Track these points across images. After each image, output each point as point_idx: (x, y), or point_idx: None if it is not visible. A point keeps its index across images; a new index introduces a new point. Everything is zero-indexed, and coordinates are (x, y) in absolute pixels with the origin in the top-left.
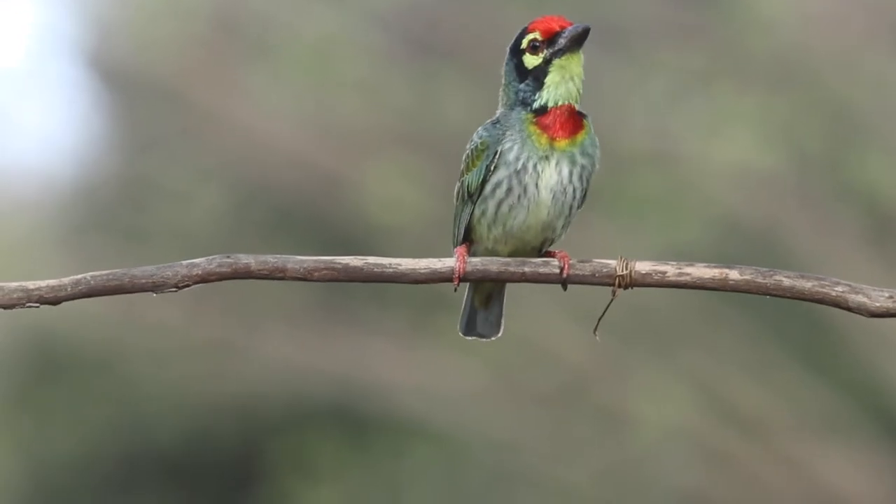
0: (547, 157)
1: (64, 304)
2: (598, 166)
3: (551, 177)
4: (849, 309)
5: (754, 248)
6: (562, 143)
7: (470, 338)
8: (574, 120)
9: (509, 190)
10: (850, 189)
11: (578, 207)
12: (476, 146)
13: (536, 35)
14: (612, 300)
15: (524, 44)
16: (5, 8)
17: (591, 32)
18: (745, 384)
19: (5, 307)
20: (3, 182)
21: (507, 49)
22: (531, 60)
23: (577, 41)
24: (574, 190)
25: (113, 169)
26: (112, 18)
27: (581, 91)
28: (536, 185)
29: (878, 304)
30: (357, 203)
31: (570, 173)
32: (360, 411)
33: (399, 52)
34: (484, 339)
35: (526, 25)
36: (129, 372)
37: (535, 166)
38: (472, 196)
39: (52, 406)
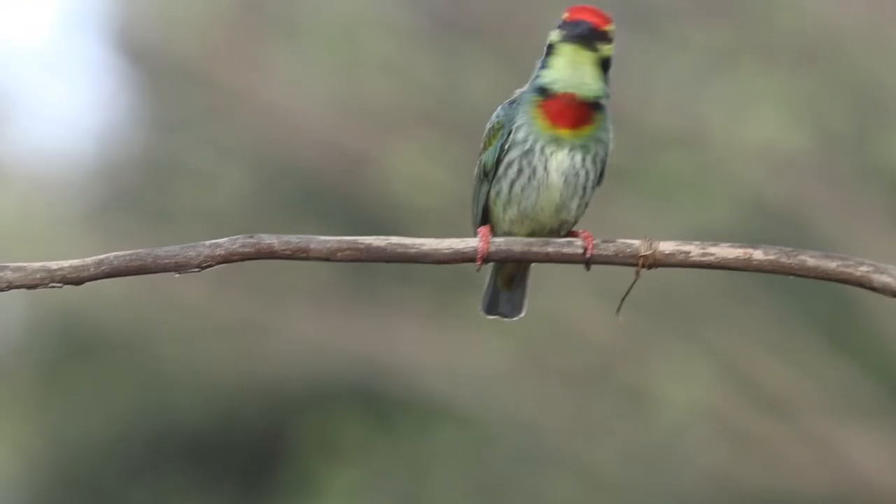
0: (556, 142)
1: (89, 284)
2: (612, 147)
3: (563, 161)
4: (873, 289)
5: (780, 228)
6: (564, 131)
7: (491, 317)
8: (581, 112)
9: (520, 170)
10: (876, 168)
11: (595, 187)
12: (493, 125)
13: (566, 15)
14: (635, 280)
15: (559, 21)
16: None
17: (585, 38)
18: (770, 364)
19: (29, 287)
20: (27, 161)
21: None
22: (552, 35)
23: (574, 38)
24: (587, 172)
25: (137, 148)
26: None
27: (587, 89)
28: (546, 167)
29: None
30: (382, 182)
31: (584, 159)
32: (384, 392)
33: (425, 29)
34: (506, 319)
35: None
36: (154, 352)
37: (542, 149)
38: (488, 175)
39: (78, 386)
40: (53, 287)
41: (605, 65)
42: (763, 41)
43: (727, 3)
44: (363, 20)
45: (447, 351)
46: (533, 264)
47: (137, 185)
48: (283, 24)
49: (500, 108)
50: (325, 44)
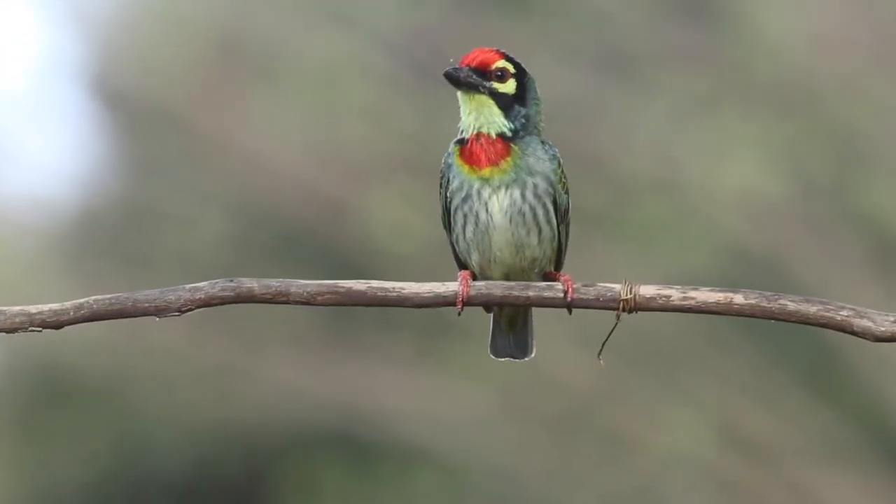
0: (486, 182)
1: (68, 329)
2: (559, 177)
3: (502, 200)
4: (854, 333)
5: (760, 274)
6: (485, 170)
7: (501, 359)
8: (494, 148)
9: (465, 216)
10: (856, 214)
11: (561, 222)
12: (439, 175)
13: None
14: (616, 324)
15: None
16: (8, 32)
17: (452, 80)
18: (751, 409)
19: (8, 331)
20: (5, 207)
21: None
22: None
23: (450, 81)
24: (533, 207)
25: (116, 194)
26: (116, 42)
27: (497, 123)
28: (487, 210)
29: (883, 329)
30: (361, 228)
31: (523, 195)
32: (364, 437)
33: (404, 77)
34: (516, 361)
35: None
36: (133, 397)
37: (478, 193)
38: (447, 225)
39: (57, 431)
40: (33, 331)
41: (509, 100)
42: (742, 88)
43: (706, 50)
44: (342, 67)
45: (427, 396)
46: (541, 308)
47: (116, 229)
48: (262, 69)
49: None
50: (303, 90)
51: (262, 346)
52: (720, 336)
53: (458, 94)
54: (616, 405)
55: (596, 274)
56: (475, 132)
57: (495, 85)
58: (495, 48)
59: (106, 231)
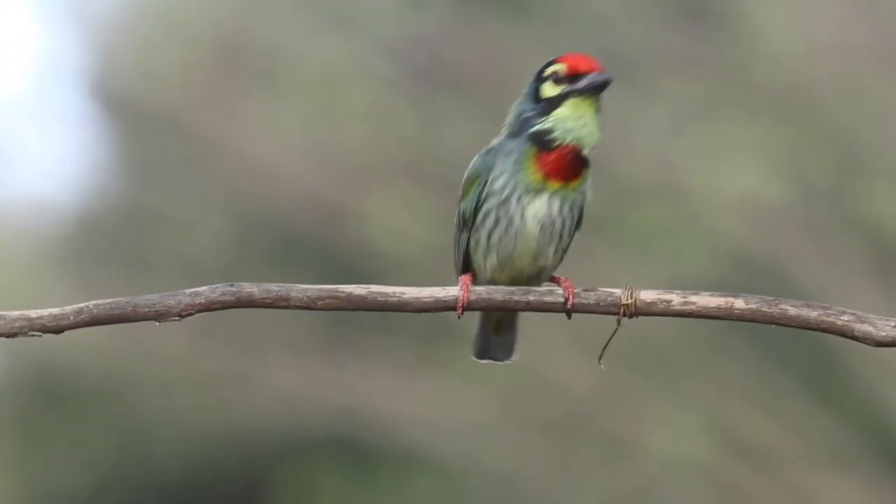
0: (537, 192)
1: (67, 333)
2: (590, 195)
3: (540, 209)
4: (854, 338)
5: (760, 279)
6: (555, 184)
7: (484, 361)
8: (575, 165)
9: (497, 220)
10: (856, 219)
11: (573, 233)
12: (470, 174)
13: (562, 68)
14: (616, 329)
15: (547, 72)
16: (9, 35)
17: (611, 84)
18: (752, 414)
19: (7, 336)
20: (5, 210)
21: (533, 76)
22: (549, 90)
23: (597, 89)
24: (564, 220)
25: (116, 198)
26: (116, 47)
27: (592, 138)
28: (523, 216)
29: (883, 334)
30: (362, 232)
31: (562, 207)
32: (364, 442)
33: (404, 82)
34: (498, 363)
35: (556, 57)
36: (132, 402)
37: (519, 198)
38: (467, 223)
39: (56, 435)
40: (33, 335)
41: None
42: (741, 93)
43: (705, 55)
44: (342, 71)
45: (427, 401)
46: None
47: (116, 233)
48: (262, 73)
49: (476, 156)
50: (304, 94)
51: (261, 350)
52: (720, 341)
53: (580, 98)
54: (616, 409)
55: (596, 278)
56: (572, 142)
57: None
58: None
59: (106, 235)
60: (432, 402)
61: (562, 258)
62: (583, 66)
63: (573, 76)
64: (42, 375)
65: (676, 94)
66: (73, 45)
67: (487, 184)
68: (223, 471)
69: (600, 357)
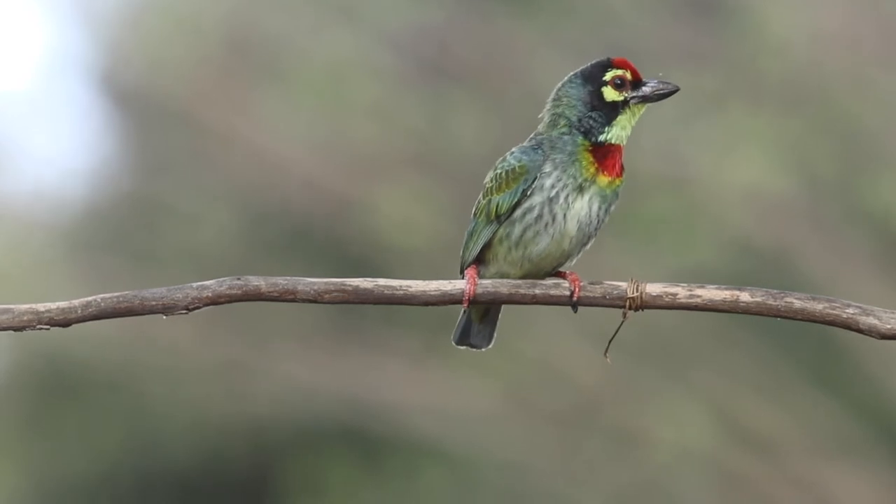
0: (582, 188)
1: (76, 326)
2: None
3: (581, 208)
4: (860, 331)
5: (766, 270)
6: (604, 179)
7: (462, 347)
8: (621, 163)
9: (539, 217)
10: (862, 211)
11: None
12: (513, 168)
13: (625, 74)
14: (622, 322)
15: (608, 76)
16: (17, 29)
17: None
18: (758, 405)
19: (16, 329)
20: (13, 203)
21: (578, 74)
22: (612, 94)
23: (663, 97)
24: (601, 220)
25: (124, 191)
26: (124, 40)
27: (626, 139)
28: (565, 215)
29: (888, 327)
30: (369, 225)
31: (600, 207)
32: (371, 432)
33: (411, 75)
34: (475, 350)
35: (608, 58)
36: (141, 393)
37: (566, 197)
38: (499, 217)
39: (65, 428)
40: (41, 329)
41: None
42: (749, 85)
43: (713, 48)
44: (349, 64)
45: (434, 392)
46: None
47: (124, 226)
48: (269, 67)
49: (519, 151)
50: (311, 88)
51: (269, 342)
52: (727, 332)
53: (643, 105)
54: (623, 401)
55: (603, 269)
56: (619, 142)
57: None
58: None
59: (114, 228)
60: (439, 392)
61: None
62: (638, 73)
63: (636, 81)
64: (51, 368)
65: (684, 86)
66: (81, 38)
67: (535, 180)
68: (231, 461)
69: (606, 350)
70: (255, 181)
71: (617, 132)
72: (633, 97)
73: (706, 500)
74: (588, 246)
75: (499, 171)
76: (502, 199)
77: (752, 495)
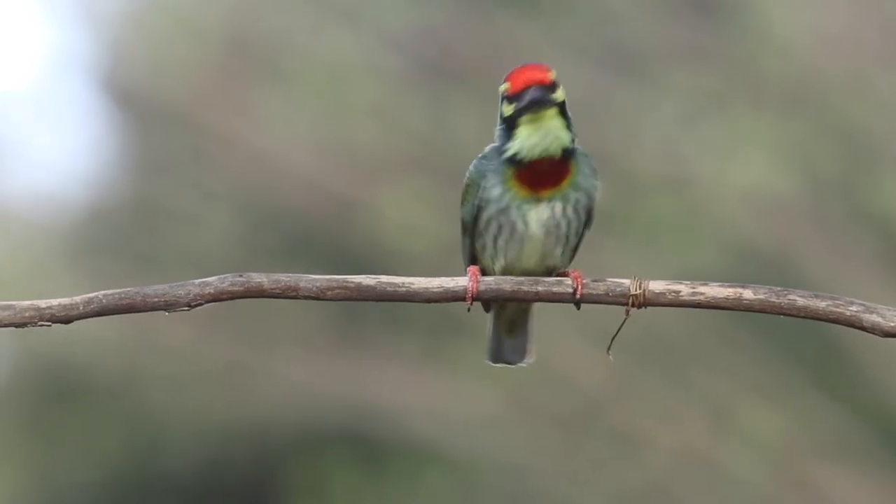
0: (534, 201)
1: (77, 327)
2: (597, 192)
3: (543, 212)
4: (863, 328)
5: (769, 271)
6: (546, 193)
7: (498, 365)
8: (557, 170)
9: (500, 227)
10: (865, 212)
11: (583, 231)
12: (466, 181)
13: (507, 87)
14: (625, 319)
15: (501, 90)
16: (18, 30)
17: (543, 103)
18: (760, 407)
19: (18, 326)
20: (14, 203)
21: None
22: (505, 109)
23: (529, 109)
24: (569, 221)
25: (125, 192)
26: (125, 41)
27: (559, 142)
28: (525, 221)
29: (892, 324)
30: (371, 227)
31: (564, 208)
32: (373, 435)
33: (413, 75)
34: (511, 366)
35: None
36: (142, 397)
37: (518, 206)
38: (468, 230)
39: (66, 432)
40: (42, 325)
41: (563, 109)
42: (751, 85)
43: (715, 48)
44: (351, 65)
45: (436, 395)
46: (536, 310)
47: (126, 227)
48: (270, 68)
49: (472, 163)
50: (313, 88)
51: (271, 344)
52: (729, 333)
53: (525, 118)
54: (626, 402)
55: (605, 270)
56: (541, 155)
57: (557, 95)
58: (525, 63)
59: (115, 229)
60: (442, 395)
61: (572, 257)
62: (520, 84)
63: (517, 94)
64: (52, 371)
65: (685, 86)
66: (83, 39)
67: (483, 192)
68: (233, 464)
69: (609, 348)
70: (256, 183)
71: (522, 147)
72: (516, 111)
73: (707, 501)
74: (572, 242)
75: (463, 183)
76: (466, 213)
77: (755, 496)
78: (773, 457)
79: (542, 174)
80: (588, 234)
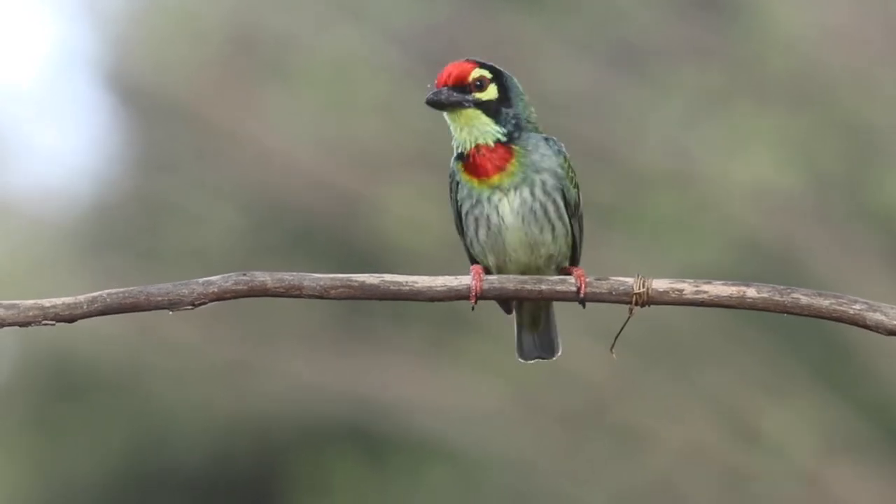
0: (494, 189)
1: (81, 325)
2: (566, 172)
3: (513, 201)
4: (866, 327)
5: (773, 268)
6: (493, 179)
7: (530, 361)
8: (498, 154)
9: (476, 220)
10: (869, 209)
11: (573, 216)
12: (448, 180)
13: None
14: (629, 318)
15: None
16: (23, 26)
17: (436, 104)
18: (764, 403)
19: (21, 325)
20: (18, 200)
21: None
22: None
23: (432, 106)
24: (543, 204)
25: (129, 189)
26: (130, 37)
27: (490, 131)
28: (498, 212)
29: (895, 323)
30: (375, 224)
31: (532, 192)
32: (377, 431)
33: (416, 71)
34: (544, 360)
35: None
36: (146, 392)
37: (487, 198)
38: (458, 228)
39: (70, 427)
40: (46, 324)
41: (495, 106)
42: (755, 82)
43: (719, 45)
44: (355, 62)
45: (440, 390)
46: (556, 302)
47: (129, 224)
48: (274, 65)
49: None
50: (316, 85)
51: (275, 340)
52: (733, 330)
53: (445, 115)
54: (630, 399)
55: (609, 268)
56: (473, 146)
57: (477, 95)
58: (466, 58)
59: (119, 225)
60: (445, 391)
61: (573, 245)
62: (440, 80)
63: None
64: (57, 368)
65: (690, 83)
66: (87, 36)
67: (458, 187)
68: (237, 460)
69: (612, 346)
70: (260, 180)
71: (458, 141)
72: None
73: (712, 498)
74: (566, 229)
75: None
76: (453, 212)
77: (759, 493)
78: (779, 454)
79: (480, 162)
80: (593, 229)
